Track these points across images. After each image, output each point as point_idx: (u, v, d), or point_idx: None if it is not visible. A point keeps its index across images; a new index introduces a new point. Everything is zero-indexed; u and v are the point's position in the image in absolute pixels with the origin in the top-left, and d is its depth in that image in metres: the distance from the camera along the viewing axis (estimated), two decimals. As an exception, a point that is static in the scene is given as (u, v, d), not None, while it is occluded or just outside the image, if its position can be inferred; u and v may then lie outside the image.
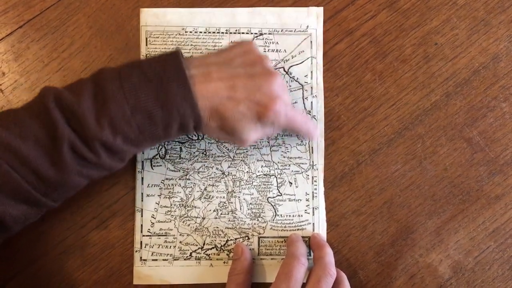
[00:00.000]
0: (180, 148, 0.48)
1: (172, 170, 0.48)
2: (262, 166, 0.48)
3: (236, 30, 0.49)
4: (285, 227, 0.48)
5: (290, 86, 0.49)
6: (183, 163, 0.48)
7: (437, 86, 0.49)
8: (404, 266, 0.47)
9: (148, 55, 0.49)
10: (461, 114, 0.49)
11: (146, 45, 0.49)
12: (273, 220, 0.48)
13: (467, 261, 0.47)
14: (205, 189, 0.48)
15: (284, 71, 0.49)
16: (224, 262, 0.47)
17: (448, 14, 0.50)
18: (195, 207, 0.48)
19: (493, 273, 0.47)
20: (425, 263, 0.48)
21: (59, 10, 0.49)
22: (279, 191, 0.48)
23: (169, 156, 0.48)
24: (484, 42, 0.49)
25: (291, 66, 0.49)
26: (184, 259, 0.47)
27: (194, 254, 0.47)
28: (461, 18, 0.50)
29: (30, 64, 0.48)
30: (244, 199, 0.48)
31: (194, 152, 0.48)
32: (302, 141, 0.48)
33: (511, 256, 0.47)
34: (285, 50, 0.49)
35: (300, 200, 0.48)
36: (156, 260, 0.47)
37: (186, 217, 0.48)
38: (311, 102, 0.49)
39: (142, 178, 0.48)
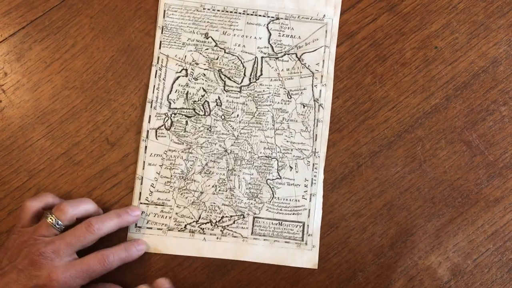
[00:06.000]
0: (186, 121, 0.48)
1: (176, 143, 0.48)
2: (264, 148, 0.48)
3: (253, 12, 0.49)
4: (281, 210, 0.48)
5: (301, 72, 0.49)
6: (187, 137, 0.48)
7: (437, 90, 0.49)
8: (404, 268, 0.48)
9: (164, 27, 0.49)
10: (460, 117, 0.49)
11: (164, 17, 0.49)
12: (270, 202, 0.48)
13: (466, 264, 0.48)
14: (206, 164, 0.48)
15: (297, 57, 0.49)
16: (217, 238, 0.47)
17: (448, 18, 0.50)
18: (194, 180, 0.48)
19: (492, 276, 0.48)
20: (424, 266, 0.48)
21: (62, 11, 0.49)
22: (279, 174, 0.48)
23: (174, 128, 0.48)
24: (483, 46, 0.50)
25: (304, 53, 0.49)
26: (178, 231, 0.47)
27: (188, 227, 0.48)
28: (460, 22, 0.50)
29: (33, 64, 0.49)
30: (243, 178, 0.48)
31: (200, 127, 0.48)
32: (306, 128, 0.49)
33: (510, 259, 0.48)
34: (299, 36, 0.49)
35: (299, 185, 0.48)
36: (151, 228, 0.47)
37: (184, 189, 0.48)
38: (320, 90, 0.49)
39: (146, 146, 0.48)
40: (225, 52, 0.49)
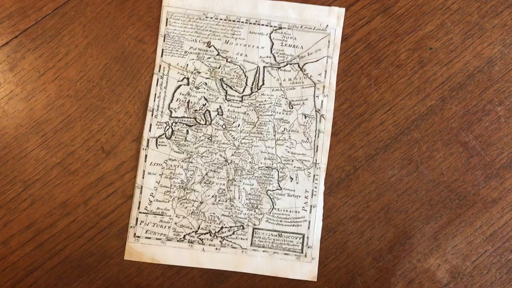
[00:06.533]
0: (187, 131, 0.48)
1: (176, 152, 0.48)
2: (265, 158, 0.48)
3: (256, 21, 0.49)
4: (281, 221, 0.48)
5: (302, 82, 0.49)
6: (187, 146, 0.48)
7: (432, 91, 0.49)
8: (402, 272, 0.47)
9: (166, 35, 0.49)
10: (456, 118, 0.49)
11: (166, 25, 0.49)
12: (270, 213, 0.48)
13: (465, 266, 0.47)
14: (206, 174, 0.48)
15: (299, 67, 0.49)
16: (216, 249, 0.47)
17: (442, 19, 0.50)
18: (194, 190, 0.48)
19: (491, 277, 0.47)
20: (423, 268, 0.48)
21: (55, 20, 0.49)
22: (279, 185, 0.48)
23: (175, 137, 0.48)
24: (478, 46, 0.50)
25: (306, 63, 0.49)
26: (177, 241, 0.47)
27: (187, 237, 0.47)
28: (455, 23, 0.50)
29: (26, 74, 0.49)
30: (243, 188, 0.48)
31: (200, 137, 0.48)
32: (308, 139, 0.48)
33: (509, 260, 0.48)
34: (302, 46, 0.49)
35: (299, 196, 0.48)
36: (150, 238, 0.47)
37: (184, 199, 0.48)
38: (322, 101, 0.49)
39: (146, 155, 0.48)
40: (227, 61, 0.49)
